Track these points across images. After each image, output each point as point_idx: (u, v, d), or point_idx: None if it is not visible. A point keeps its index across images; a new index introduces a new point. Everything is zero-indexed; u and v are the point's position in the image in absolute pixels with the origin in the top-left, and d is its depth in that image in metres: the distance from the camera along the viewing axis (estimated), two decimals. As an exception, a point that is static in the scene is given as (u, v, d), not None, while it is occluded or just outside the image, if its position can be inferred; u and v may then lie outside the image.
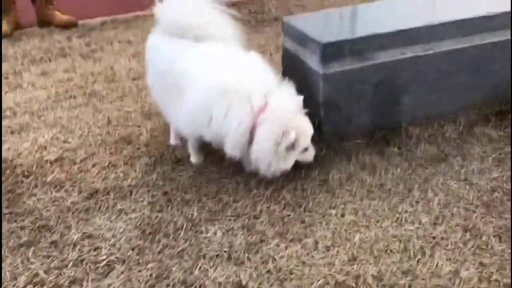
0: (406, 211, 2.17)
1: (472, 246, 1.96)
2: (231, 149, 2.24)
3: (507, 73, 2.70)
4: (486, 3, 2.72)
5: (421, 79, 2.54)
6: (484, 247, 1.95)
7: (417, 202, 2.22)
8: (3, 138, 2.86)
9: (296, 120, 2.21)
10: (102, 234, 2.10)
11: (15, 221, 2.20)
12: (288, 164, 2.25)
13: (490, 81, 2.72)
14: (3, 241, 2.08)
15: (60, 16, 4.72)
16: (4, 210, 2.26)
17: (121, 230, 2.12)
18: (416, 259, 1.91)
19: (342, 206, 2.22)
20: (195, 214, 2.19)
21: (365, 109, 2.56)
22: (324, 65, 2.38)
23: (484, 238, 1.99)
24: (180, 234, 2.09)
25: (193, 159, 2.54)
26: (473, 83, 2.70)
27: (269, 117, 2.15)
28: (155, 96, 2.58)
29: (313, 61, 2.45)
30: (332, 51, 2.35)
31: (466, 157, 2.51)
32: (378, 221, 2.12)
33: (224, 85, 2.17)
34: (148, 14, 4.80)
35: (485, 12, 2.56)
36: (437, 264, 1.88)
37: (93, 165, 2.58)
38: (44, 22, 4.73)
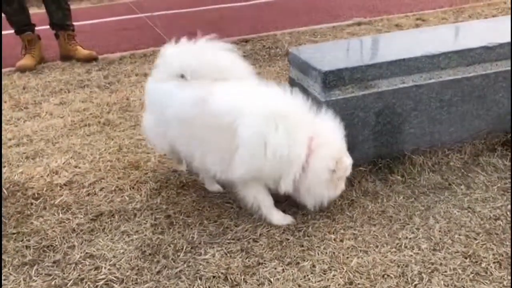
0: (406, 237, 2.15)
1: (471, 273, 1.93)
2: (289, 182, 2.14)
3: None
4: (488, 34, 2.75)
5: (422, 108, 2.56)
6: (484, 273, 1.92)
7: (417, 229, 2.21)
8: (18, 164, 2.97)
9: (344, 146, 2.22)
10: (104, 254, 2.14)
11: (21, 240, 2.26)
12: (338, 192, 2.24)
13: (495, 111, 2.73)
14: (8, 260, 2.14)
15: (82, 51, 4.94)
16: (12, 230, 2.33)
17: (122, 250, 2.16)
18: (413, 284, 1.89)
19: (342, 231, 2.22)
20: (196, 236, 2.22)
21: (368, 136, 2.58)
22: (326, 93, 2.43)
23: (483, 264, 1.96)
24: (179, 255, 2.11)
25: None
26: (477, 113, 2.70)
27: (321, 145, 2.12)
28: (171, 143, 2.39)
29: (315, 89, 2.50)
30: (333, 79, 2.40)
31: (470, 186, 2.49)
32: (377, 247, 2.11)
33: (279, 113, 2.08)
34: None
35: (486, 43, 2.59)
36: (434, 290, 1.86)
37: (101, 189, 2.65)
38: (67, 56, 4.96)
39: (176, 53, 2.35)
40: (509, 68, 2.61)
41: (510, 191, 2.43)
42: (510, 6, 6.13)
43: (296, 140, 2.08)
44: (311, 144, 2.11)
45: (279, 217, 2.28)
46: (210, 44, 2.32)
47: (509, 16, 3.13)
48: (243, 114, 2.07)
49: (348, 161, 2.20)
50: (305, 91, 2.56)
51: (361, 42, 2.86)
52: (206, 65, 2.28)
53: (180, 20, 6.90)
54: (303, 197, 2.22)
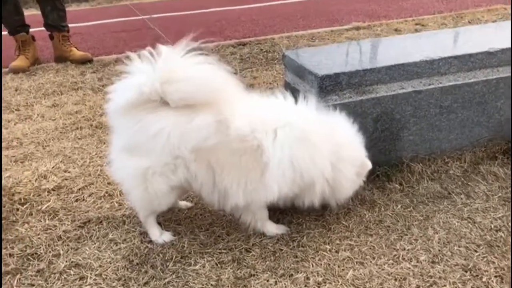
0: (404, 249, 2.08)
1: (472, 287, 1.85)
2: (316, 195, 2.07)
3: (514, 110, 2.64)
4: (489, 39, 2.69)
5: (421, 115, 2.49)
6: (484, 288, 1.85)
7: (416, 239, 2.13)
8: (6, 167, 2.89)
9: (363, 149, 2.19)
10: (90, 264, 2.06)
11: (5, 248, 2.18)
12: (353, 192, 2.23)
13: (496, 118, 2.66)
14: (-10, 268, 2.06)
15: (76, 52, 4.87)
16: (-5, 237, 2.25)
17: (109, 260, 2.08)
18: (411, 298, 1.82)
19: (338, 241, 2.14)
20: (186, 246, 2.14)
21: (366, 143, 2.50)
22: (322, 98, 2.36)
23: (484, 278, 1.88)
24: (168, 265, 2.03)
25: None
26: (478, 120, 2.63)
27: (345, 152, 2.07)
28: (177, 184, 2.02)
29: (312, 94, 2.43)
30: (329, 83, 2.33)
31: (470, 195, 2.42)
32: (374, 258, 2.03)
33: (303, 128, 1.99)
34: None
35: (487, 48, 2.52)
36: (433, 305, 1.78)
37: (90, 195, 2.57)
38: (61, 58, 4.88)
39: (154, 74, 1.89)
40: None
41: (510, 200, 2.35)
42: (510, 11, 6.07)
43: (322, 151, 2.01)
44: (336, 153, 2.05)
45: (272, 228, 2.20)
46: (193, 58, 1.93)
47: (510, 21, 3.06)
48: (269, 133, 1.95)
49: (369, 164, 2.19)
50: (301, 96, 2.49)
51: (359, 46, 2.79)
52: (197, 90, 1.93)
53: (177, 22, 6.84)
54: (326, 200, 2.17)
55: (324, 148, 2.01)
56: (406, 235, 2.17)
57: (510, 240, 2.09)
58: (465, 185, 2.49)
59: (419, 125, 2.53)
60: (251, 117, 1.97)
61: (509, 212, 2.27)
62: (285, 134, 1.96)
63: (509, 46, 2.55)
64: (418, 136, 2.56)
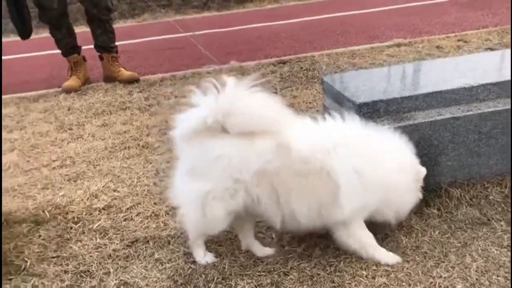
0: (441, 276, 2.10)
1: (509, 318, 1.86)
2: (388, 206, 2.16)
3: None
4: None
5: (460, 140, 2.51)
6: (522, 320, 1.85)
7: (453, 267, 2.15)
8: (60, 186, 3.09)
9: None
10: (137, 283, 2.19)
11: (60, 264, 2.35)
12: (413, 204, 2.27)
13: (538, 143, 2.63)
14: (47, 284, 2.23)
15: (124, 72, 5.10)
16: (52, 254, 2.43)
17: (155, 279, 2.21)
18: (447, 328, 1.84)
19: (374, 267, 2.18)
20: (227, 267, 2.24)
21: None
22: (360, 125, 2.42)
23: (522, 310, 1.89)
24: (210, 286, 2.14)
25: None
26: (519, 145, 2.62)
27: (401, 159, 2.16)
28: (240, 209, 2.12)
29: (350, 120, 2.49)
30: (367, 111, 2.39)
31: (510, 222, 2.41)
32: (410, 285, 2.07)
33: (365, 144, 2.11)
34: (205, 71, 5.20)
35: (528, 74, 2.52)
36: (469, 335, 1.80)
37: (137, 214, 2.72)
38: (110, 78, 5.13)
39: (217, 107, 2.05)
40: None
41: (511, 222, 2.35)
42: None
43: (383, 162, 2.10)
44: (395, 162, 2.13)
45: (387, 257, 2.21)
46: (249, 93, 2.06)
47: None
48: (330, 152, 2.04)
49: (424, 170, 2.25)
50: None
51: (397, 71, 2.83)
52: (257, 123, 2.08)
53: (219, 39, 7.02)
54: (388, 214, 2.21)
55: (385, 159, 2.11)
56: (443, 262, 2.19)
57: (550, 270, 2.08)
58: (505, 212, 2.48)
59: (457, 151, 2.55)
60: (310, 138, 2.09)
61: (551, 241, 2.25)
62: (346, 152, 2.06)
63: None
64: (456, 161, 2.57)
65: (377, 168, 2.09)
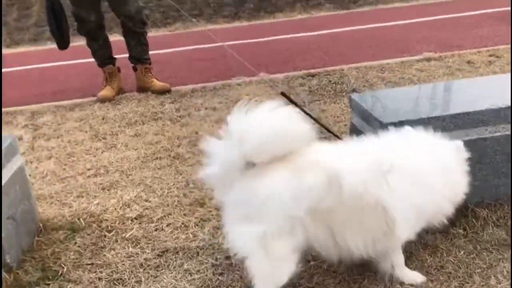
0: (465, 298, 2.13)
1: None
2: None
3: None
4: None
5: (487, 161, 2.52)
6: None
7: (477, 288, 2.17)
8: (95, 194, 3.23)
9: None
10: (167, 292, 2.29)
11: (95, 272, 2.47)
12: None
13: None
14: (83, 290, 2.35)
15: (157, 83, 5.25)
16: (87, 261, 2.55)
17: (184, 289, 2.30)
18: None
19: (398, 286, 2.22)
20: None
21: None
22: (387, 144, 2.46)
23: (546, 335, 1.90)
24: (237, 298, 2.21)
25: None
26: (548, 167, 2.61)
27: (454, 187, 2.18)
28: (298, 248, 2.02)
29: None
30: (394, 131, 2.43)
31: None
32: (433, 305, 2.10)
33: (411, 166, 2.06)
34: (234, 83, 5.29)
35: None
36: None
37: (168, 225, 2.82)
38: (143, 88, 5.29)
39: (231, 143, 1.94)
40: None
41: (511, 247, 2.36)
42: None
43: (433, 186, 2.08)
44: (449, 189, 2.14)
45: (412, 275, 2.25)
46: (260, 113, 1.94)
47: None
48: (381, 184, 1.98)
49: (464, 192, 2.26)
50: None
51: (425, 91, 2.86)
52: (269, 138, 1.94)
53: (249, 50, 7.12)
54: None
55: (437, 184, 2.08)
56: (468, 283, 2.21)
57: None
58: (532, 234, 2.48)
59: (484, 171, 2.56)
60: (357, 168, 1.98)
61: None
62: (399, 185, 2.00)
63: None
64: (483, 182, 2.58)
65: (433, 199, 2.07)
